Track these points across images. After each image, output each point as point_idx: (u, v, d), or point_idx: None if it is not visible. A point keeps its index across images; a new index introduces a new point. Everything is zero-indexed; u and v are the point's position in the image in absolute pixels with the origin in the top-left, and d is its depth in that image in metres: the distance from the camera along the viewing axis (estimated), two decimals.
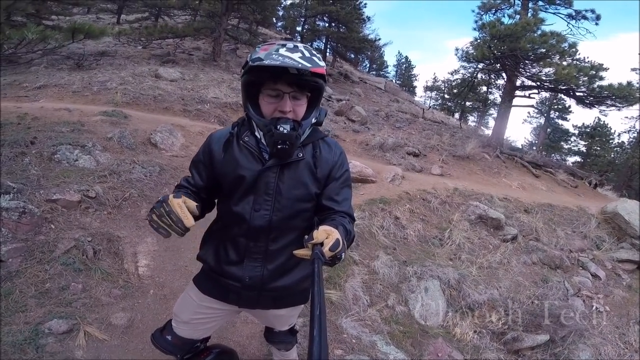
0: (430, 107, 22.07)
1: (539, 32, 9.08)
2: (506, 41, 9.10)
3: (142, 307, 2.44)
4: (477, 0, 10.94)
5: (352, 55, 23.15)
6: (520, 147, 16.11)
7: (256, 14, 13.95)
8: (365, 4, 17.20)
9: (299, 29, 16.91)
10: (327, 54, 18.47)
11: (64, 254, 2.73)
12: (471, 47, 10.61)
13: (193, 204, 1.03)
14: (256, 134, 1.16)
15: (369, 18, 17.63)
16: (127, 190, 3.96)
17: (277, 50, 1.05)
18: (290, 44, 1.08)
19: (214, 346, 1.56)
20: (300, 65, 1.03)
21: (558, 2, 10.37)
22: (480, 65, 11.25)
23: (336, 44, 17.65)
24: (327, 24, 16.37)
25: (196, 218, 1.11)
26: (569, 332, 3.05)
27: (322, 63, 1.11)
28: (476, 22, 10.97)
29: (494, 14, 10.81)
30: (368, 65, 36.90)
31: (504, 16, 10.51)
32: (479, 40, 10.46)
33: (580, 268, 4.95)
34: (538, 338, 3.01)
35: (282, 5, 18.60)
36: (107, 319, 2.28)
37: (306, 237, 1.02)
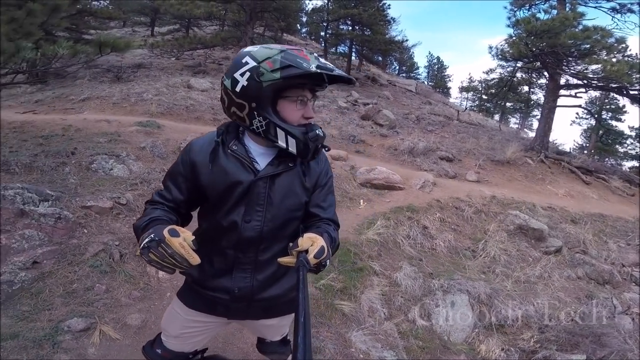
0: (466, 108, 21.24)
1: (580, 27, 8.52)
2: (544, 37, 8.62)
3: (157, 309, 2.52)
4: None
5: (380, 58, 22.90)
6: (569, 150, 14.99)
7: (280, 22, 14.24)
8: (389, 5, 17.00)
9: (322, 33, 16.92)
10: (353, 57, 18.37)
11: (92, 257, 2.88)
12: (506, 44, 10.10)
13: (190, 237, 0.97)
14: (280, 143, 1.08)
15: (394, 19, 17.38)
16: None
17: (318, 58, 1.06)
18: (315, 53, 1.10)
19: (211, 357, 1.54)
20: (343, 74, 1.06)
21: None
22: (519, 64, 10.66)
23: (361, 47, 17.49)
24: (350, 28, 16.27)
25: None
26: (609, 352, 2.73)
27: None
28: (509, 18, 10.50)
29: (528, 10, 10.26)
30: (397, 68, 36.35)
31: (539, 11, 9.97)
32: (514, 38, 9.96)
33: (633, 284, 4.53)
34: (573, 358, 2.73)
35: (305, 11, 18.85)
36: (123, 319, 2.36)
37: (291, 244, 1.01)
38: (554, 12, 9.57)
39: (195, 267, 1.14)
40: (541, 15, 9.52)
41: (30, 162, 4.19)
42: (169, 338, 1.35)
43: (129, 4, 18.72)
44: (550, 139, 11.27)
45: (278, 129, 1.07)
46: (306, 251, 0.96)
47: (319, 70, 1.01)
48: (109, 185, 4.05)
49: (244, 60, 1.05)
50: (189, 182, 1.16)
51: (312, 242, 0.98)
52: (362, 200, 5.25)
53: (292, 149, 1.09)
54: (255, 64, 1.03)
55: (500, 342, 2.91)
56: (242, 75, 1.04)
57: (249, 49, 1.10)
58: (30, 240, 2.80)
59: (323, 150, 1.20)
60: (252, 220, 1.13)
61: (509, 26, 10.48)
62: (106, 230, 3.32)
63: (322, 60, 1.06)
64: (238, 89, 1.05)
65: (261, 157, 1.15)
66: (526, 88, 20.53)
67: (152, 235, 0.94)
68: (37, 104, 8.47)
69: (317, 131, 1.11)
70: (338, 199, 5.12)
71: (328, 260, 1.00)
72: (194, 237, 0.97)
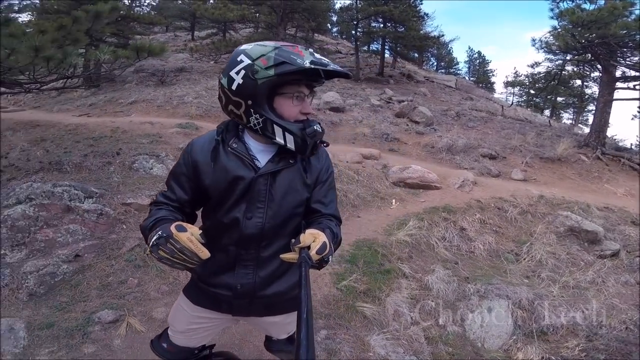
0: (512, 104, 20.04)
1: (633, 16, 7.81)
2: (592, 28, 8.03)
3: None
4: None
5: (415, 55, 22.26)
6: (630, 147, 13.61)
7: (310, 22, 14.31)
8: (421, 1, 16.58)
9: (353, 32, 16.73)
10: (386, 54, 17.99)
11: (128, 251, 3.05)
12: (551, 37, 9.45)
13: (198, 231, 0.97)
14: (278, 140, 1.08)
15: (427, 15, 16.90)
16: None
17: (312, 53, 1.06)
18: (311, 49, 1.09)
19: (219, 353, 1.56)
20: (338, 68, 1.05)
21: None
22: (568, 57, 9.91)
23: (395, 44, 17.08)
24: (382, 25, 15.93)
25: None
26: None
27: None
28: (552, 10, 9.84)
29: (572, 1, 9.56)
30: (435, 64, 35.23)
31: (584, 2, 9.24)
32: (559, 29, 9.34)
33: None
34: None
35: (334, 11, 18.75)
36: (150, 312, 2.46)
37: (293, 240, 1.00)
38: (601, 1, 8.88)
39: (201, 263, 1.17)
40: (587, 6, 8.91)
41: (81, 161, 4.54)
42: (175, 333, 1.38)
43: (169, 9, 19.77)
44: (608, 135, 10.40)
45: (275, 126, 1.07)
46: (308, 247, 0.95)
47: (312, 66, 1.00)
48: (148, 183, 4.27)
49: (239, 59, 1.05)
50: (192, 182, 1.17)
51: (314, 238, 0.98)
52: (394, 200, 5.10)
53: (290, 145, 1.08)
54: (249, 61, 1.03)
55: (541, 350, 2.68)
56: (237, 73, 1.05)
57: (244, 47, 1.09)
58: (74, 234, 3.02)
59: (323, 146, 1.20)
60: (253, 217, 1.13)
61: (552, 18, 9.83)
62: None
63: (317, 55, 1.05)
64: (234, 87, 1.05)
65: (261, 154, 1.15)
66: (578, 82, 18.99)
67: (159, 233, 0.94)
68: (90, 107, 9.19)
69: (315, 127, 1.10)
70: (368, 198, 5.02)
71: (330, 256, 0.99)
72: (201, 232, 0.98)
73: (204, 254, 0.93)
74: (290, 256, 0.98)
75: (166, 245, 0.91)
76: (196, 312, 1.31)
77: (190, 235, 0.93)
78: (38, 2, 10.27)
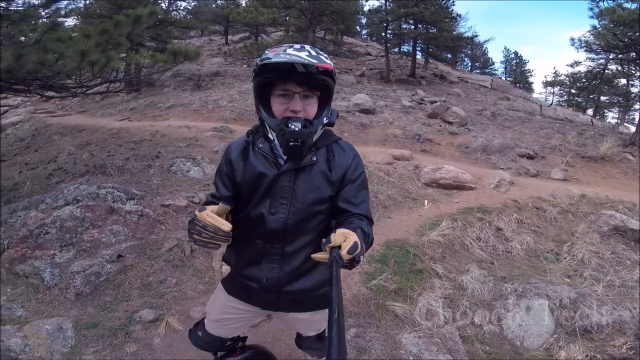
0: (552, 103, 19.05)
1: None
2: (635, 27, 7.66)
3: None
4: None
5: (449, 55, 21.71)
6: None
7: (339, 24, 14.27)
8: (453, 2, 16.12)
9: (383, 34, 16.53)
10: (418, 56, 17.66)
11: (167, 252, 3.15)
12: (591, 36, 9.01)
13: (216, 207, 1.04)
14: (270, 136, 1.17)
15: (460, 16, 16.52)
16: None
17: (285, 50, 1.09)
18: (297, 45, 1.12)
19: (250, 346, 1.63)
20: (306, 61, 1.05)
21: None
22: (611, 56, 9.39)
23: (426, 45, 16.77)
24: (412, 26, 15.65)
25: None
26: None
27: (329, 61, 1.13)
28: (591, 9, 9.43)
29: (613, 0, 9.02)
30: (470, 64, 34.27)
31: (625, 1, 8.71)
32: (599, 28, 8.94)
33: None
34: None
35: (363, 13, 18.63)
36: (187, 311, 2.52)
37: (324, 240, 1.01)
38: None
39: (234, 256, 1.30)
40: (628, 5, 8.42)
41: (123, 164, 4.77)
42: (210, 322, 1.50)
43: (204, 14, 20.39)
44: None
45: (265, 123, 1.16)
46: (339, 247, 0.95)
47: (264, 62, 1.07)
48: (185, 185, 4.42)
49: None
50: (231, 179, 1.26)
51: (345, 237, 0.97)
52: (426, 201, 5.00)
53: (276, 140, 1.15)
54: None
55: (585, 348, 2.56)
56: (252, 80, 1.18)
57: None
58: (117, 235, 3.15)
59: (348, 144, 1.28)
60: (277, 212, 1.18)
61: (592, 17, 9.49)
62: (180, 226, 3.61)
63: (291, 51, 1.08)
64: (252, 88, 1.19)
65: None
66: (623, 80, 17.81)
67: (189, 219, 1.05)
68: (131, 111, 9.65)
69: (291, 125, 1.10)
70: (399, 199, 4.94)
71: (362, 256, 0.99)
72: (221, 204, 1.04)
73: (225, 225, 0.99)
74: (321, 256, 0.99)
75: (194, 227, 1.00)
76: (230, 302, 1.39)
77: (208, 212, 1.00)
78: (82, 6, 10.89)
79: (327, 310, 1.36)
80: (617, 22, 8.05)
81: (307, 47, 1.13)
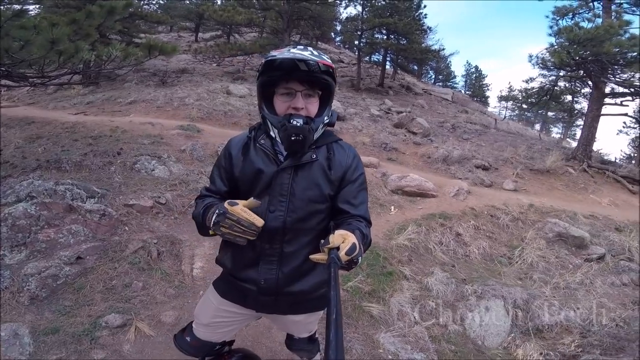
0: (505, 117, 20.44)
1: (627, 35, 8.21)
2: (587, 46, 8.34)
3: (190, 307, 2.57)
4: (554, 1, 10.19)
5: (415, 67, 22.64)
6: (615, 160, 14.05)
7: (315, 30, 14.44)
8: (425, 14, 16.96)
9: (356, 42, 16.97)
10: (387, 66, 18.25)
11: (132, 254, 3.00)
12: (547, 53, 9.77)
13: (247, 202, 1.04)
14: (271, 133, 1.18)
15: (430, 29, 17.33)
16: (194, 198, 4.28)
17: (289, 49, 1.12)
18: (300, 46, 1.15)
19: (237, 350, 1.59)
20: (308, 58, 1.08)
21: None
22: (561, 73, 10.25)
23: (396, 56, 17.38)
24: (385, 37, 16.19)
25: None
26: None
27: (330, 61, 1.16)
28: (551, 27, 10.28)
29: (571, 19, 9.94)
30: (433, 77, 35.89)
31: (582, 20, 9.63)
32: (555, 46, 9.68)
33: None
34: None
35: (339, 20, 19.03)
36: (158, 316, 2.43)
37: (322, 241, 1.01)
38: (598, 20, 9.24)
39: (229, 257, 1.27)
40: (584, 24, 9.21)
41: (80, 160, 4.47)
42: (199, 326, 1.43)
43: (176, 9, 19.71)
44: (595, 148, 10.77)
45: (267, 120, 1.18)
46: (337, 248, 0.95)
47: (269, 58, 1.10)
48: (150, 185, 4.23)
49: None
50: (228, 174, 1.25)
51: (343, 239, 0.97)
52: (392, 207, 5.19)
53: (277, 137, 1.17)
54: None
55: (539, 346, 2.78)
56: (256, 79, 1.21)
57: None
58: (76, 235, 2.95)
59: (348, 145, 1.29)
60: (276, 210, 1.17)
61: (550, 35, 10.27)
62: (146, 228, 3.46)
63: (294, 50, 1.11)
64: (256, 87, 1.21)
65: None
66: (569, 97, 19.57)
67: (217, 212, 1.03)
68: (88, 105, 9.06)
69: (294, 121, 1.12)
70: (369, 205, 5.08)
71: (360, 257, 0.99)
72: (252, 198, 1.04)
73: (259, 221, 1.00)
74: (319, 257, 0.98)
75: (225, 220, 0.99)
76: (222, 306, 1.35)
77: (242, 207, 1.00)
78: None
79: (321, 312, 1.39)
80: (573, 41, 8.62)
81: (310, 48, 1.15)
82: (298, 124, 1.11)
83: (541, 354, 2.73)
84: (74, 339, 2.10)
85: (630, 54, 8.22)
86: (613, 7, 9.59)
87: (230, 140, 1.30)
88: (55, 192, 3.29)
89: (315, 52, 1.12)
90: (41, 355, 1.99)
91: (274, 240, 1.19)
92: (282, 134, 1.12)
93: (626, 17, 9.02)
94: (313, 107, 1.18)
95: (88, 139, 5.64)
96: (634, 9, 9.44)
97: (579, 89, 13.85)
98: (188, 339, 1.43)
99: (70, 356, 2.00)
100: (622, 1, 9.65)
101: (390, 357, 2.41)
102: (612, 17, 9.15)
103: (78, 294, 2.48)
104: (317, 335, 1.60)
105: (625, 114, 11.00)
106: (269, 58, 1.10)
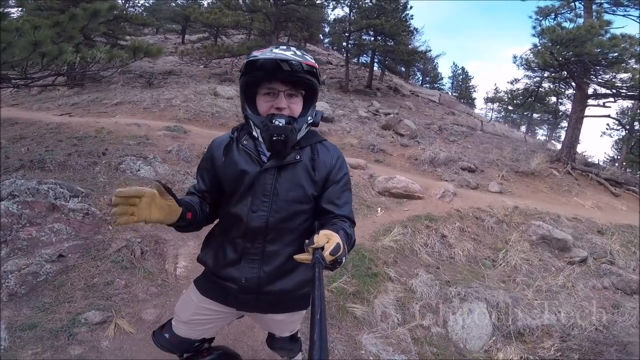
0: (490, 119, 20.80)
1: (608, 35, 8.35)
2: (570, 46, 8.49)
3: (171, 305, 2.57)
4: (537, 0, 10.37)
5: (402, 69, 22.87)
6: (598, 162, 14.40)
7: (303, 31, 14.51)
8: (412, 16, 16.99)
9: (344, 44, 17.07)
10: (375, 67, 18.38)
11: (115, 253, 2.99)
12: (531, 54, 9.93)
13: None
14: (254, 134, 1.18)
15: (417, 30, 17.39)
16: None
17: (271, 50, 1.12)
18: (283, 46, 1.15)
19: (217, 347, 1.58)
20: (290, 58, 1.08)
21: (626, 3, 9.40)
22: (545, 74, 10.44)
23: (384, 58, 17.53)
24: (372, 38, 16.32)
25: (208, 220, 1.26)
26: None
27: (313, 61, 1.16)
28: (534, 27, 10.39)
29: (553, 19, 10.10)
30: (421, 78, 36.26)
31: (565, 21, 9.79)
32: (539, 47, 9.83)
33: None
34: None
35: (327, 22, 19.16)
36: (139, 313, 2.43)
37: (307, 241, 1.00)
38: (580, 20, 9.41)
39: (211, 256, 1.28)
40: (567, 24, 9.35)
41: (64, 160, 4.43)
42: (178, 323, 1.41)
43: (162, 11, 19.60)
44: (579, 151, 10.97)
45: (249, 120, 1.18)
46: (322, 248, 0.94)
47: (251, 59, 1.10)
48: (135, 184, 4.20)
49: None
50: (210, 174, 1.26)
51: (327, 239, 0.96)
52: (379, 208, 5.24)
53: (260, 137, 1.16)
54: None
55: (519, 350, 2.83)
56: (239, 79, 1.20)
57: None
58: (58, 233, 2.94)
59: (333, 145, 1.28)
60: (258, 210, 1.18)
61: (534, 35, 10.38)
62: (130, 227, 3.44)
63: (277, 50, 1.12)
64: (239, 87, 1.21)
65: None
66: (554, 99, 19.96)
67: None
68: (73, 106, 8.94)
69: (276, 121, 1.12)
70: (355, 206, 5.12)
71: (344, 257, 0.99)
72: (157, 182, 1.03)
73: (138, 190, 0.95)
74: (303, 257, 0.97)
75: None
76: (203, 303, 1.35)
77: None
78: None
79: (304, 312, 1.40)
80: (556, 41, 8.75)
81: (293, 48, 1.15)
82: (280, 124, 1.11)
83: (521, 357, 2.77)
84: (51, 335, 2.10)
85: (611, 55, 8.38)
86: (594, 6, 9.78)
87: (213, 140, 1.30)
88: (38, 191, 3.27)
89: (298, 52, 1.13)
90: (16, 350, 1.98)
91: (256, 240, 1.20)
92: (264, 134, 1.12)
93: (607, 17, 9.19)
94: (296, 107, 1.18)
95: (73, 139, 5.59)
96: (614, 8, 9.66)
97: (563, 90, 14.12)
98: (167, 335, 1.42)
99: (46, 351, 1.99)
100: (602, 1, 9.85)
101: (371, 358, 2.43)
102: (593, 17, 9.30)
103: (58, 291, 2.46)
104: (299, 335, 1.60)
105: (608, 116, 11.28)
106: (251, 58, 1.10)
